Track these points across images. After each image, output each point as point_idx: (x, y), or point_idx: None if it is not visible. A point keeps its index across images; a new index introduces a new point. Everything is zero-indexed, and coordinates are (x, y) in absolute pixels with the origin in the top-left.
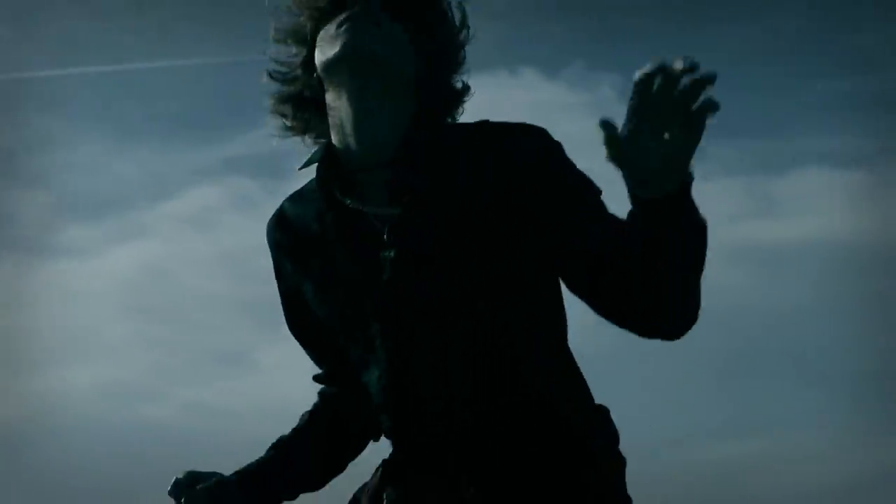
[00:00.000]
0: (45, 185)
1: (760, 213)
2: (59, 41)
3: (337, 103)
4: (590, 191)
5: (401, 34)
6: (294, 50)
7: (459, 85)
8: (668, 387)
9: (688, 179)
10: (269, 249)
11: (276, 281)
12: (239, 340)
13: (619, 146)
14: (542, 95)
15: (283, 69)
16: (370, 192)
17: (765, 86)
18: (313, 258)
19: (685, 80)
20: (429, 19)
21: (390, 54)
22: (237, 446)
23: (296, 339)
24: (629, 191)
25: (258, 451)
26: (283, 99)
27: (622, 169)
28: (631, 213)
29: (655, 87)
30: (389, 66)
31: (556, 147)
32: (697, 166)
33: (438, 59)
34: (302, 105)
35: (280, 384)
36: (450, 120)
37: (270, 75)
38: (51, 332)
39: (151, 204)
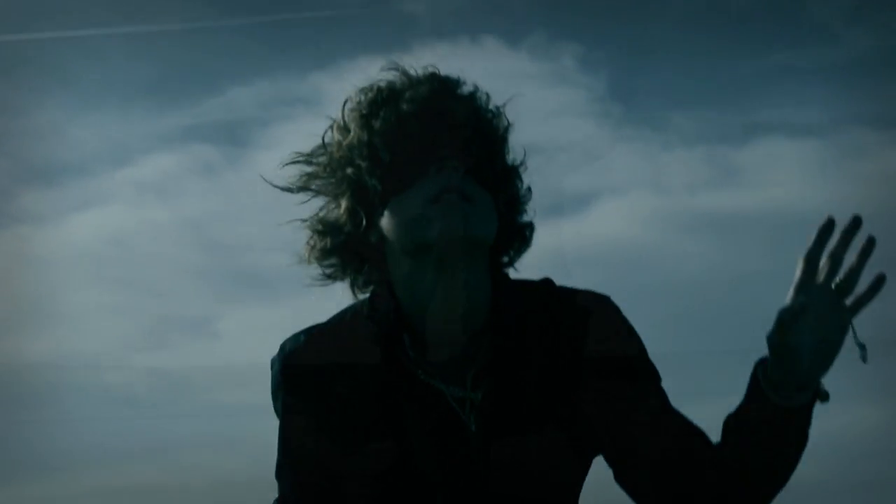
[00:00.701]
0: (0, 152)
1: (719, 182)
2: (12, 5)
3: (413, 269)
4: (655, 380)
5: (489, 204)
6: (356, 211)
7: (528, 232)
8: None
9: (822, 393)
10: (279, 381)
11: (280, 420)
12: (199, 308)
13: (789, 332)
14: (504, 64)
15: (332, 223)
16: (443, 363)
17: (722, 55)
18: (350, 412)
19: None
20: (508, 175)
21: (487, 233)
22: (199, 412)
23: (289, 481)
24: (756, 388)
25: (217, 417)
26: (328, 251)
27: (777, 356)
28: (745, 415)
29: (822, 262)
30: (486, 243)
31: (630, 328)
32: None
33: (515, 213)
34: (351, 257)
35: (240, 351)
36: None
37: (316, 230)
38: (8, 300)
39: (110, 171)
